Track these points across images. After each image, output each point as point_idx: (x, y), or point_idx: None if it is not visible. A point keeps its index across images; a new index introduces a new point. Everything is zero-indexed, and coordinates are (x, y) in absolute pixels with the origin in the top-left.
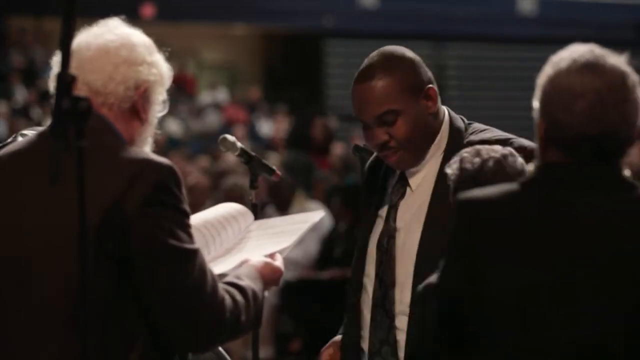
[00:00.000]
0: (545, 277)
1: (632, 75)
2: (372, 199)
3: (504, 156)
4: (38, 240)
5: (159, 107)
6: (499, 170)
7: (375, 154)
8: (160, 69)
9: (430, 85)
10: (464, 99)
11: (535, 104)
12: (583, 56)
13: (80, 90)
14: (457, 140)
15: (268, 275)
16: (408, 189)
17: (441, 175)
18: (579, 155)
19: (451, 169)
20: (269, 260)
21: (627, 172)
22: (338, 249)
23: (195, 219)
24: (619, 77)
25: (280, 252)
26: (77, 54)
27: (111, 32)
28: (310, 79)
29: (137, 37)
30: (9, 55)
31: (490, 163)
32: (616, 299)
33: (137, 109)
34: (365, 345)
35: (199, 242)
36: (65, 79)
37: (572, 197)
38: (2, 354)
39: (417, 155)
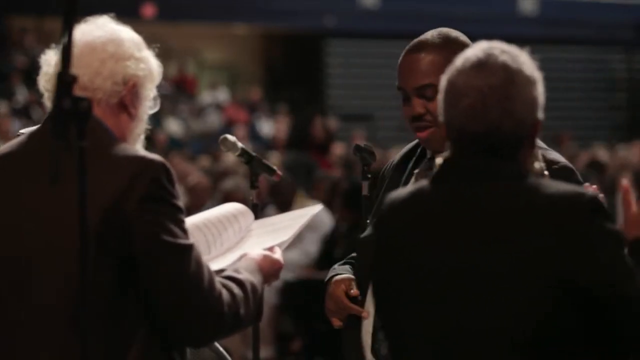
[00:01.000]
0: (439, 266)
1: (525, 73)
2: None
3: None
4: (38, 241)
5: (149, 103)
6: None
7: (401, 154)
8: (149, 64)
9: None
10: None
11: (438, 102)
12: (475, 55)
13: None
14: None
15: (267, 267)
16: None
17: None
18: (469, 151)
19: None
20: (267, 253)
21: (537, 165)
22: (339, 249)
23: (197, 218)
24: (504, 76)
25: (280, 245)
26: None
27: (99, 28)
28: (311, 79)
29: (125, 33)
30: (10, 55)
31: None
32: (511, 284)
33: (125, 104)
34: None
35: (200, 242)
36: (66, 79)
37: (462, 189)
38: (2, 354)
39: (443, 138)
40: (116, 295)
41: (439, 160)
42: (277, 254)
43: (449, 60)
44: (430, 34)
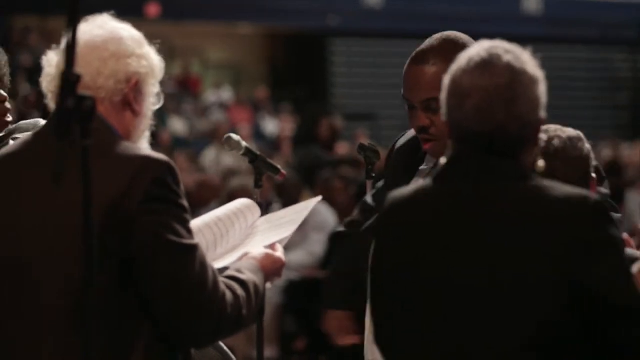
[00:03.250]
0: (441, 268)
1: (529, 73)
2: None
3: (570, 138)
4: (38, 241)
5: (153, 99)
6: (563, 150)
7: (406, 139)
8: (150, 61)
9: None
10: None
11: (442, 102)
12: (479, 55)
13: None
14: None
15: (269, 266)
16: None
17: None
18: (473, 151)
19: None
20: (269, 251)
21: (540, 163)
22: None
23: (206, 217)
24: (509, 76)
25: (280, 242)
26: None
27: (99, 27)
28: (315, 78)
29: (126, 30)
30: (13, 54)
31: (556, 141)
32: (515, 288)
33: (129, 101)
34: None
35: (208, 240)
36: (70, 78)
37: (467, 190)
38: (3, 355)
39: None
40: (118, 295)
41: (442, 160)
42: (279, 252)
43: None
44: (436, 43)
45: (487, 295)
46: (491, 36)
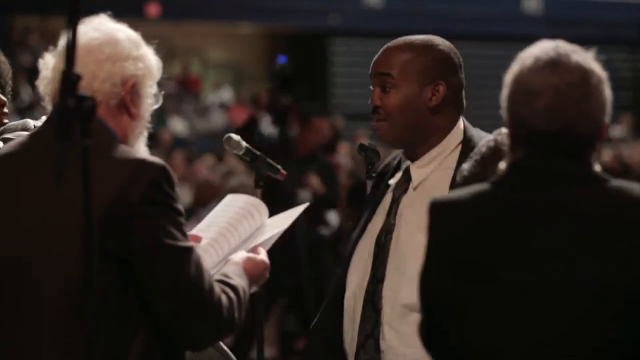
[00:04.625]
0: (517, 276)
1: (597, 73)
2: (375, 198)
3: (495, 139)
4: (38, 241)
5: (150, 100)
6: (496, 152)
7: (382, 165)
8: (147, 62)
9: (443, 83)
10: (469, 98)
11: (503, 101)
12: (546, 54)
13: None
14: (470, 150)
15: (252, 269)
16: (410, 185)
17: (454, 185)
18: (542, 152)
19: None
20: (251, 255)
21: (597, 167)
22: (344, 249)
23: (219, 221)
24: (580, 75)
25: (263, 245)
26: (62, 54)
27: (95, 29)
28: (315, 78)
29: (122, 32)
30: (14, 54)
31: (484, 149)
32: (592, 292)
33: (126, 104)
34: (347, 344)
35: (224, 249)
36: (71, 78)
37: (537, 193)
38: (4, 355)
39: (398, 135)
40: (118, 295)
41: (415, 172)
42: (262, 255)
43: (417, 61)
44: (416, 37)
45: (568, 304)
46: (491, 36)
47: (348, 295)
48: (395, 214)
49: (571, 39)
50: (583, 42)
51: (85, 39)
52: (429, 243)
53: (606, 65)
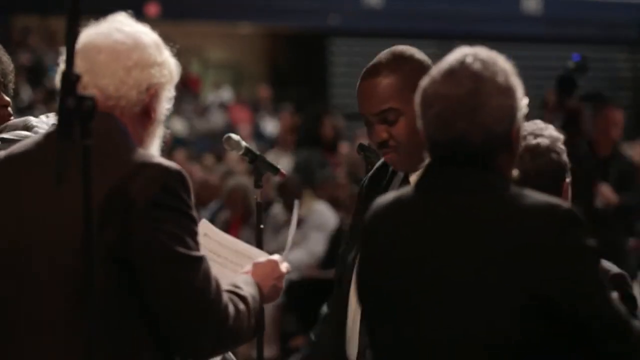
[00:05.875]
0: (427, 273)
1: (499, 81)
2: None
3: (538, 144)
4: (39, 241)
5: (168, 104)
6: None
7: (370, 175)
8: (170, 67)
9: None
10: None
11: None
12: (449, 63)
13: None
14: None
15: (260, 275)
16: None
17: None
18: (439, 159)
19: None
20: (261, 261)
21: (515, 172)
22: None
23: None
24: (472, 85)
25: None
26: (87, 55)
27: (120, 30)
28: (315, 78)
29: (147, 36)
30: (14, 54)
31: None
32: (486, 295)
33: (148, 110)
34: (350, 351)
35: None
36: (70, 78)
37: (440, 197)
38: (5, 352)
39: (415, 159)
40: (117, 295)
41: (413, 179)
42: (274, 260)
43: (406, 80)
44: (384, 57)
45: (461, 302)
46: (491, 35)
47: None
48: None
49: (571, 39)
50: (583, 42)
51: (112, 42)
52: (360, 243)
53: (606, 65)
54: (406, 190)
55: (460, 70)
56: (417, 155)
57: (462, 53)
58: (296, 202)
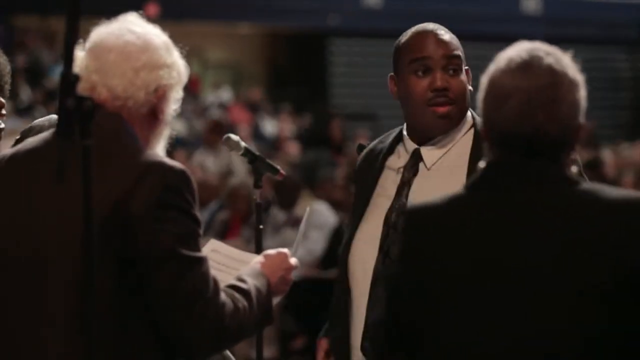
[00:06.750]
0: (493, 278)
1: (570, 76)
2: (369, 178)
3: None
4: (46, 241)
5: (175, 105)
6: None
7: (365, 151)
8: (179, 69)
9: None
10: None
11: (478, 103)
12: (519, 56)
13: (100, 93)
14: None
15: (269, 266)
16: (422, 167)
17: (471, 169)
18: (514, 154)
19: None
20: (269, 253)
21: (574, 169)
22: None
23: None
24: (550, 78)
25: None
26: (98, 55)
27: (130, 31)
28: (315, 78)
29: (157, 37)
30: (13, 54)
31: None
32: (570, 294)
33: (155, 111)
34: (354, 339)
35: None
36: (70, 78)
37: (511, 195)
38: (10, 353)
39: (457, 122)
40: (119, 295)
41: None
42: (282, 253)
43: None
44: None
45: (542, 302)
46: (491, 36)
47: (354, 279)
48: (407, 194)
49: (571, 39)
50: (583, 42)
51: (122, 43)
52: (403, 249)
53: (606, 65)
54: (460, 191)
55: (535, 63)
56: (460, 118)
57: (527, 47)
58: (308, 208)
